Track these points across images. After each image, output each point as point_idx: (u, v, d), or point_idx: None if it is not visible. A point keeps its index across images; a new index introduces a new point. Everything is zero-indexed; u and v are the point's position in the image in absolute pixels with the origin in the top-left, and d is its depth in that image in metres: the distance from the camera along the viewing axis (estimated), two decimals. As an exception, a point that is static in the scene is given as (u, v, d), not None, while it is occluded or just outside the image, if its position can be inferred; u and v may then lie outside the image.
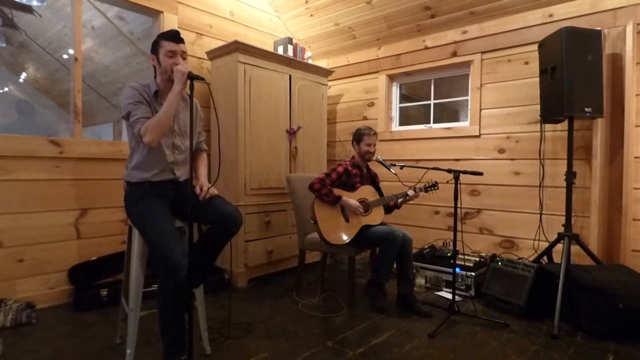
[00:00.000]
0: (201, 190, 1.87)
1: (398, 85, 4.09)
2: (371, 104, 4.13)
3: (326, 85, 3.97)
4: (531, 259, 2.85)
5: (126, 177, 1.93)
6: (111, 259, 2.89)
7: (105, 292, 2.68)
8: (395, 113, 4.09)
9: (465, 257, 3.11)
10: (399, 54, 3.89)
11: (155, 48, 1.90)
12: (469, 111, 3.48)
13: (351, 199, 2.74)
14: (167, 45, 1.85)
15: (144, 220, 1.78)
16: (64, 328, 2.33)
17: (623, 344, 2.15)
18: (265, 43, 3.90)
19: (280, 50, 3.64)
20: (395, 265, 2.71)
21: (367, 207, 2.78)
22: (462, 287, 2.95)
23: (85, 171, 2.83)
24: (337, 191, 2.73)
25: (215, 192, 1.91)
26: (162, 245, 1.66)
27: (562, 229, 2.66)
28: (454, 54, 3.52)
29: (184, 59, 1.88)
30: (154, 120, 1.76)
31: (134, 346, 1.78)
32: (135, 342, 1.79)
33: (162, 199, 1.88)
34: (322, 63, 4.43)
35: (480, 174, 2.53)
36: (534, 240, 3.06)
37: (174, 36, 1.87)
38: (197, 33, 3.49)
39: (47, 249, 2.67)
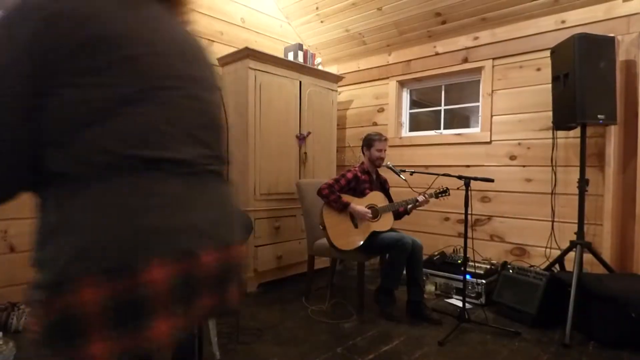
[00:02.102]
0: None
1: (408, 91, 4.09)
2: (381, 110, 4.14)
3: (336, 91, 3.99)
4: (543, 266, 2.81)
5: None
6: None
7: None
8: (406, 119, 4.09)
9: (476, 264, 3.09)
10: (410, 60, 3.89)
11: None
12: (480, 117, 3.47)
13: (359, 205, 2.74)
14: None
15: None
16: (76, 330, 2.36)
17: (636, 353, 2.12)
18: (276, 49, 3.93)
19: (290, 57, 3.67)
20: (405, 272, 2.70)
21: (376, 213, 2.78)
22: (473, 295, 2.92)
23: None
24: (345, 197, 2.74)
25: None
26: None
27: (574, 237, 2.63)
28: (465, 60, 3.51)
29: None
30: None
31: (145, 350, 1.80)
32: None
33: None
34: (333, 69, 4.45)
35: (491, 180, 2.51)
36: (546, 248, 3.03)
37: None
38: (209, 40, 3.53)
39: (61, 252, 2.71)
